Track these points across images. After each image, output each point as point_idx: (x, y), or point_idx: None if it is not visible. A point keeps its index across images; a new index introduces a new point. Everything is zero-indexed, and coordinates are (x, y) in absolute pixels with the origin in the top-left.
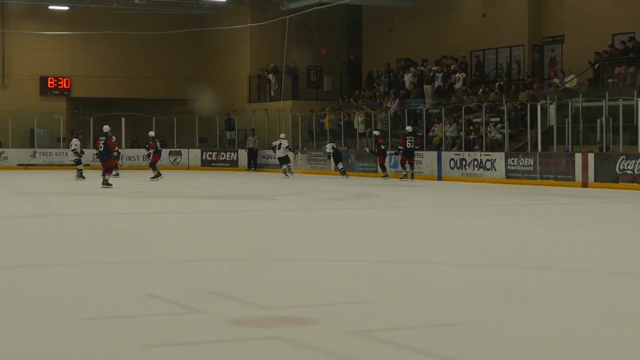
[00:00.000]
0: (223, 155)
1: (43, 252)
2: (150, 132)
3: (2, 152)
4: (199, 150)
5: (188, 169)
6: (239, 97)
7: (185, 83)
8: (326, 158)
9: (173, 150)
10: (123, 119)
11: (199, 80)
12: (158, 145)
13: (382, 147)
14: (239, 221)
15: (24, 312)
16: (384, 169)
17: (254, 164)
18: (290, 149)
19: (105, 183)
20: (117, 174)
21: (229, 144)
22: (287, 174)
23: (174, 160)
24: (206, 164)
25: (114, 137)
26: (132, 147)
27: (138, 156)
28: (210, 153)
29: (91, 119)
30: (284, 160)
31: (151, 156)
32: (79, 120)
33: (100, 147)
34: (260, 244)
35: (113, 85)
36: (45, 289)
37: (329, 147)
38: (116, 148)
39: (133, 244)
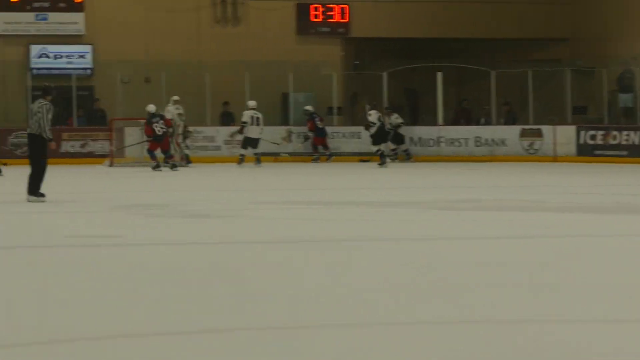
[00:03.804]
0: (615, 136)
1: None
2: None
3: (191, 132)
4: (573, 127)
5: (555, 159)
6: None
7: (547, 13)
8: None
9: (527, 128)
10: (439, 74)
11: (574, 5)
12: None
13: None
14: None
15: None
16: None
17: None
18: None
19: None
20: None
21: (624, 115)
22: None
23: (529, 145)
24: (586, 152)
25: None
26: (454, 122)
27: (466, 139)
28: (593, 133)
29: (384, 74)
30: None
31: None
32: (363, 76)
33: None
34: None
35: (418, 18)
36: None
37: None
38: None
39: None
